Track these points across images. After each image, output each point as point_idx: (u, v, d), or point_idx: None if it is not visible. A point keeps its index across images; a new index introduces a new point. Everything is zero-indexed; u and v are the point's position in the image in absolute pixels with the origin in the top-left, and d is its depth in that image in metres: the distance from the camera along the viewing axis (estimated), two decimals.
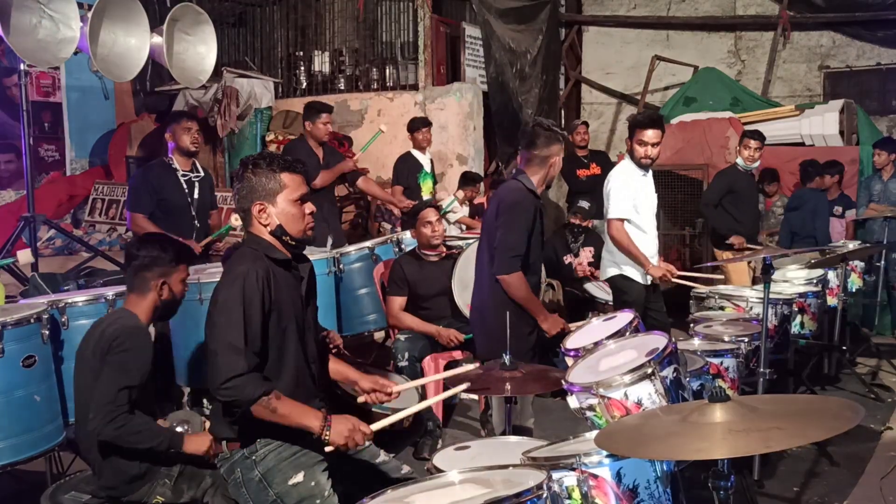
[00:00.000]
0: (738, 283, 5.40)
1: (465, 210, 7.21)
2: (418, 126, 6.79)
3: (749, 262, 5.89)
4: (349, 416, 2.54)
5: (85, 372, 2.89)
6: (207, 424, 3.15)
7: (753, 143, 6.17)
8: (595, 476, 2.06)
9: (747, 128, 7.99)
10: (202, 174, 4.94)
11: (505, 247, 3.62)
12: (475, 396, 5.11)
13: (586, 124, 8.35)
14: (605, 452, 2.04)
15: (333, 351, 3.27)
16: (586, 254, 6.47)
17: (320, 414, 2.50)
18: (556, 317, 3.77)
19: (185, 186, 4.80)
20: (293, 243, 2.63)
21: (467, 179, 7.34)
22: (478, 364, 3.06)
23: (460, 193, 7.20)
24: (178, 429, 3.10)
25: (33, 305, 3.66)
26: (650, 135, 4.58)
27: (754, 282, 5.71)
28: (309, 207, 2.63)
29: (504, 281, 3.63)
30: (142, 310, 3.00)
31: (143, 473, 2.86)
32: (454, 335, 4.62)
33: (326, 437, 2.45)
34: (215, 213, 5.20)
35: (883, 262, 6.22)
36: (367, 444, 2.78)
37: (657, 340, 2.61)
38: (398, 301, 4.83)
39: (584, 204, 6.57)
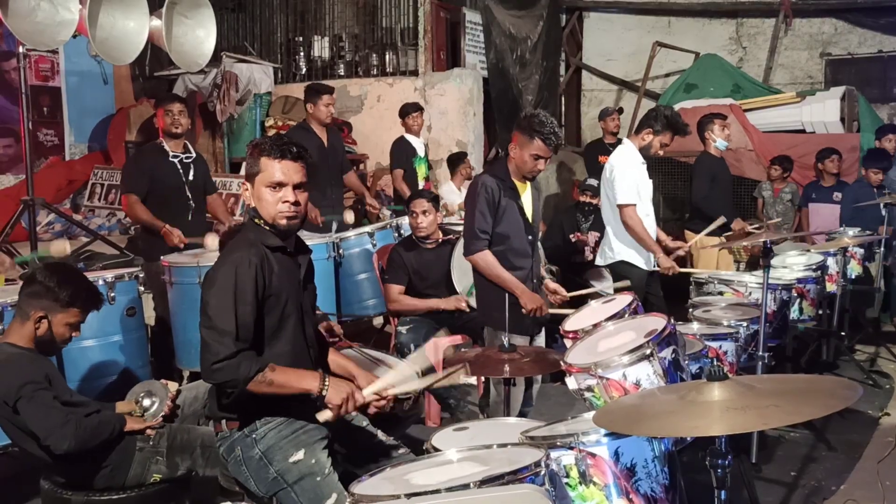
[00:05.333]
0: (705, 268, 5.35)
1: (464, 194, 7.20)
2: (409, 111, 6.81)
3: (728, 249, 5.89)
4: (349, 381, 2.56)
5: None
6: (172, 388, 3.16)
7: (725, 122, 5.96)
8: (593, 455, 2.07)
9: (748, 115, 8.02)
10: (193, 155, 4.96)
11: (466, 229, 3.81)
12: (474, 381, 5.13)
13: (621, 110, 8.32)
14: (603, 431, 2.05)
15: (335, 340, 3.27)
16: (592, 237, 6.47)
17: (317, 374, 2.52)
18: (533, 294, 3.76)
19: (179, 168, 4.83)
20: (267, 228, 2.58)
21: (454, 160, 7.36)
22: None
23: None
24: (145, 401, 3.10)
25: None
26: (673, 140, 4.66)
27: (753, 266, 5.71)
28: (289, 196, 2.53)
29: (472, 261, 3.76)
30: (21, 339, 2.84)
31: (120, 461, 2.87)
32: (455, 300, 4.60)
33: (325, 394, 2.47)
34: (216, 196, 5.21)
35: (882, 250, 6.21)
36: (364, 423, 2.79)
37: (656, 322, 2.62)
38: (397, 288, 4.82)
39: (593, 181, 6.55)
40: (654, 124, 4.65)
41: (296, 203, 2.54)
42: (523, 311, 3.67)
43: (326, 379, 2.51)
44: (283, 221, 2.55)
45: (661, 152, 4.69)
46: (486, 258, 3.70)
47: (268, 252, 2.56)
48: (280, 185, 2.53)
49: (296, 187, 2.54)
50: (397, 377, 2.71)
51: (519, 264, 3.76)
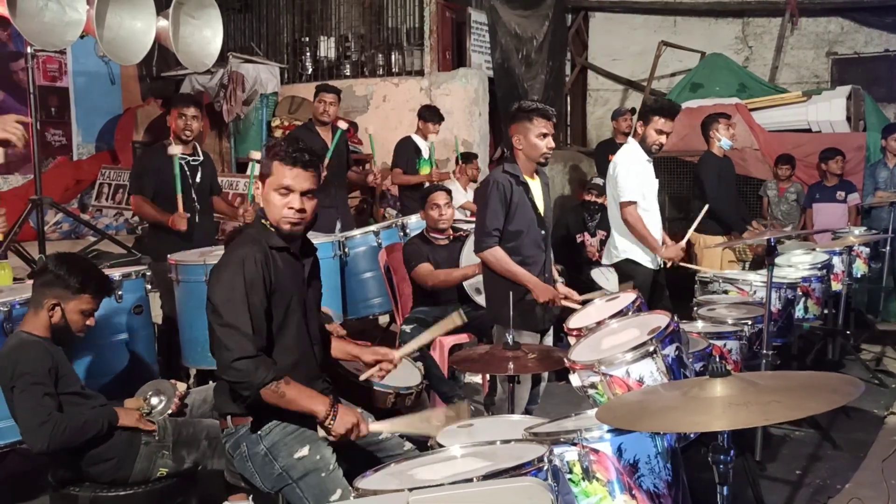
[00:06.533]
0: (710, 267, 5.36)
1: (470, 195, 7.21)
2: (431, 119, 6.76)
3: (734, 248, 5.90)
4: (356, 411, 2.58)
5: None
6: (181, 388, 3.19)
7: (730, 121, 5.95)
8: (596, 451, 2.08)
9: (754, 114, 8.01)
10: (201, 158, 4.97)
11: (478, 226, 3.85)
12: (479, 379, 5.15)
13: (633, 111, 8.35)
14: (606, 427, 2.06)
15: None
16: (600, 236, 6.47)
17: (327, 400, 2.53)
18: (546, 285, 3.78)
19: (185, 170, 4.84)
20: (272, 229, 2.61)
21: (465, 159, 7.40)
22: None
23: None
24: (153, 399, 3.14)
25: None
26: (669, 124, 4.63)
27: (758, 266, 5.70)
28: (295, 203, 2.55)
29: (483, 258, 3.79)
30: (36, 327, 2.88)
31: (125, 455, 2.89)
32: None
33: (330, 425, 2.49)
34: (219, 198, 5.23)
35: (889, 249, 6.20)
36: (372, 419, 2.81)
37: (659, 319, 2.63)
38: (427, 266, 4.80)
39: (599, 180, 6.55)
40: (643, 117, 4.73)
41: (301, 210, 2.57)
42: (537, 301, 3.69)
43: (335, 408, 2.51)
44: (287, 226, 2.59)
45: (662, 140, 4.65)
46: (497, 254, 3.72)
47: (271, 250, 2.59)
48: (288, 190, 2.57)
49: (304, 194, 2.57)
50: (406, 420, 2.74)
51: (531, 260, 3.79)
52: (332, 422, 2.49)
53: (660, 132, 4.63)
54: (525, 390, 3.81)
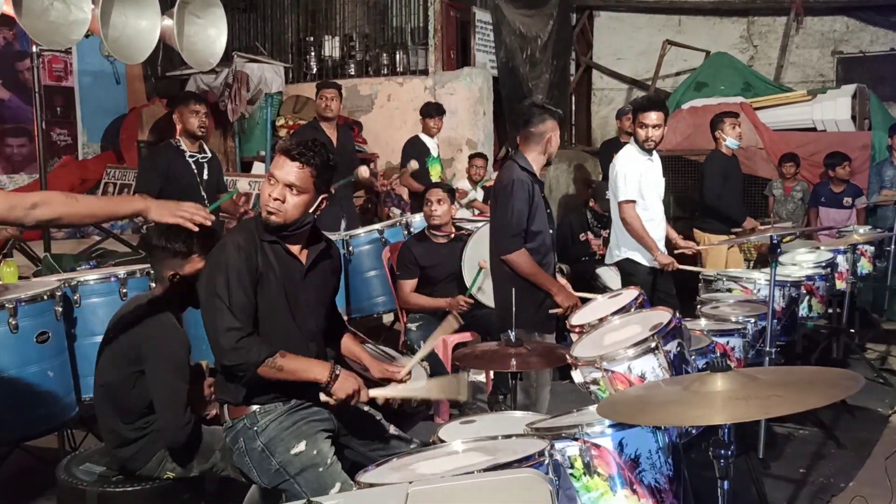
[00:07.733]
0: (714, 267, 5.37)
1: (480, 193, 7.22)
2: (432, 113, 6.80)
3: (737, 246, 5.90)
4: (357, 377, 2.59)
5: (118, 364, 2.82)
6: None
7: (736, 120, 5.94)
8: (597, 446, 2.08)
9: (759, 113, 8.00)
10: (209, 155, 5.01)
11: (502, 227, 3.73)
12: (483, 378, 5.15)
13: None
14: (607, 422, 2.07)
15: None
16: (604, 235, 6.48)
17: (328, 365, 2.54)
18: (570, 291, 3.79)
19: (193, 168, 4.87)
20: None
21: (474, 157, 7.44)
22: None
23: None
24: None
25: (46, 283, 3.71)
26: (651, 117, 4.62)
27: (763, 265, 5.70)
28: (274, 190, 2.53)
29: (509, 260, 3.71)
30: (168, 304, 2.90)
31: (140, 451, 2.88)
32: (462, 300, 4.67)
33: (331, 387, 2.50)
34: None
35: (894, 247, 6.18)
36: (378, 417, 2.83)
37: (661, 316, 2.63)
38: (409, 284, 4.85)
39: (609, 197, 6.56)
40: (632, 119, 4.81)
41: (277, 199, 2.53)
42: (559, 310, 3.68)
43: (337, 370, 2.53)
44: (264, 213, 2.58)
45: (650, 133, 4.63)
46: (525, 257, 3.68)
47: (263, 242, 2.59)
48: (273, 178, 2.56)
49: (288, 186, 2.54)
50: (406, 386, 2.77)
51: (546, 260, 3.80)
52: (332, 386, 2.50)
53: (643, 125, 4.64)
54: (546, 391, 3.81)
